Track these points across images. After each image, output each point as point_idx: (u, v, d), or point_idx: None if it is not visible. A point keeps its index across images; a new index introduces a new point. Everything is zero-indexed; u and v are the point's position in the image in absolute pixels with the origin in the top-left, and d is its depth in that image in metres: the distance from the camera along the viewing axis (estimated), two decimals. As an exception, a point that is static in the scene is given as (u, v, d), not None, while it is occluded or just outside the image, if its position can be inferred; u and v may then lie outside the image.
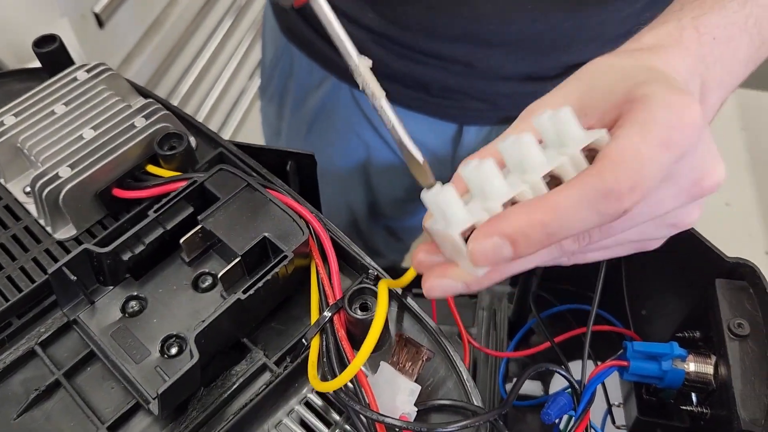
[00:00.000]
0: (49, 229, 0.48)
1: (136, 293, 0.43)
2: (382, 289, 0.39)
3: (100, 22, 1.27)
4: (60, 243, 0.48)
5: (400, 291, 0.43)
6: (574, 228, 0.32)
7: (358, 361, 0.36)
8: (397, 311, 0.44)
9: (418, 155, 0.38)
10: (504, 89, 0.74)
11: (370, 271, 0.44)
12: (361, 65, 0.38)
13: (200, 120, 1.56)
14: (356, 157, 0.87)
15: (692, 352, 0.47)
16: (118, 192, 0.48)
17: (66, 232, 0.48)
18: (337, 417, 0.40)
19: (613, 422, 0.56)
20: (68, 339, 0.43)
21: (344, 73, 0.79)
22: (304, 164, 0.55)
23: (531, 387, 0.59)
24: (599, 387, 0.56)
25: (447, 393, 0.41)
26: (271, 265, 0.40)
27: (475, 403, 0.40)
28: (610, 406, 0.56)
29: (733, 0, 0.42)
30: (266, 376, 0.41)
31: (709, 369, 0.47)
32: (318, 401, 0.41)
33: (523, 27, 0.67)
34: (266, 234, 0.42)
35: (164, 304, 0.43)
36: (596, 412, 0.58)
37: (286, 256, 0.41)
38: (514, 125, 0.39)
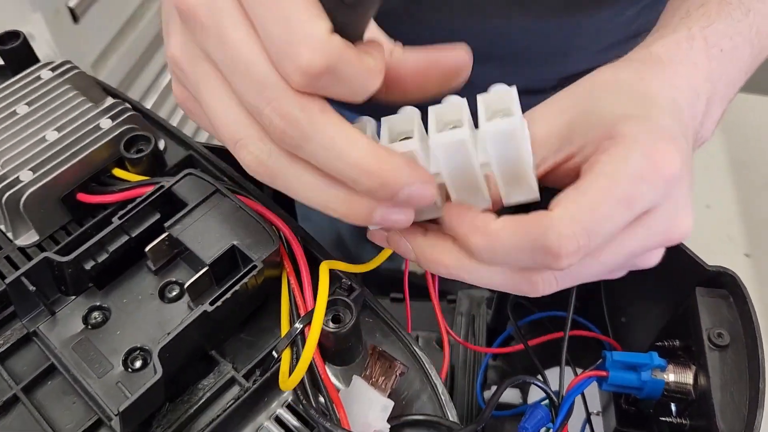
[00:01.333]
0: (9, 235, 0.46)
1: (99, 303, 0.41)
2: (323, 270, 0.39)
3: (75, 17, 1.24)
4: (21, 249, 0.46)
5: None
6: (509, 262, 0.33)
7: (310, 345, 0.35)
8: (371, 321, 0.42)
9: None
10: None
11: (344, 280, 0.42)
12: None
13: (177, 120, 1.53)
14: None
15: (672, 362, 0.46)
16: (82, 197, 0.46)
17: (28, 238, 0.46)
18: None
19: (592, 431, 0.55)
20: (28, 352, 0.41)
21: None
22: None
23: (509, 395, 0.58)
24: (578, 396, 0.55)
25: (421, 407, 0.40)
26: (239, 275, 0.38)
27: (450, 417, 0.38)
28: (588, 415, 0.55)
29: (737, 8, 0.41)
30: (235, 390, 0.39)
31: (689, 379, 0.46)
32: (289, 417, 0.39)
33: (516, 39, 0.65)
34: (235, 242, 0.40)
35: (129, 314, 0.41)
36: (575, 420, 0.57)
37: (255, 266, 0.39)
38: None
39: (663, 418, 0.47)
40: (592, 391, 0.55)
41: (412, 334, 0.62)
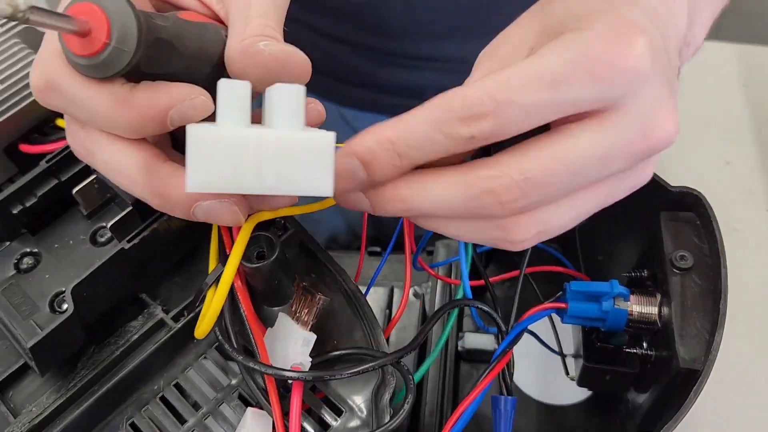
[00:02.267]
0: (-44, 188, 0.46)
1: (30, 249, 0.40)
2: (246, 225, 0.34)
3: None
4: (-33, 202, 0.45)
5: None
6: (424, 149, 0.28)
7: (222, 289, 0.33)
8: (307, 260, 0.41)
9: None
10: None
11: (277, 219, 0.40)
12: None
13: None
14: None
15: (636, 291, 0.43)
16: (24, 147, 0.45)
17: (-26, 191, 0.46)
18: (237, 375, 0.37)
19: (567, 373, 0.52)
20: (-39, 298, 0.41)
21: (330, 93, 0.74)
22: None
23: (483, 341, 0.56)
24: (554, 337, 0.53)
25: (354, 344, 0.38)
26: (160, 212, 0.37)
27: (381, 349, 0.37)
28: (563, 356, 0.52)
29: None
30: (163, 332, 0.38)
31: (653, 308, 0.43)
32: (218, 357, 0.38)
33: (514, 11, 0.61)
34: (158, 180, 0.39)
35: (59, 259, 0.40)
36: (551, 362, 0.54)
37: (176, 203, 0.37)
38: (476, 67, 0.36)
39: (630, 350, 0.45)
40: (567, 333, 0.53)
41: (388, 285, 0.61)
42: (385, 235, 0.96)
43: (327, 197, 0.31)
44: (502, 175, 0.28)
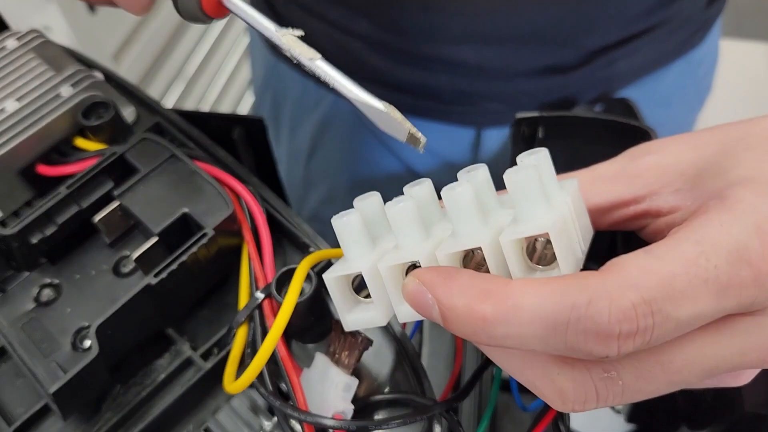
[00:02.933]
0: (-29, 212, 0.44)
1: (50, 280, 0.38)
2: (303, 265, 0.33)
3: (91, 7, 1.22)
4: (-16, 227, 0.43)
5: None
6: (529, 345, 0.23)
7: (264, 352, 0.31)
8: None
9: (382, 105, 0.31)
10: (523, 86, 0.66)
11: (311, 249, 0.38)
12: (284, 36, 0.32)
13: (208, 106, 1.50)
14: (363, 176, 0.80)
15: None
16: (42, 169, 0.43)
17: (-10, 215, 0.43)
18: (270, 417, 0.35)
19: (612, 407, 0.50)
20: (-20, 332, 0.38)
21: None
22: (253, 131, 0.49)
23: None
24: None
25: (396, 385, 0.36)
26: (188, 244, 0.35)
27: (427, 394, 0.34)
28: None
29: None
30: (192, 371, 0.36)
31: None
32: (249, 398, 0.36)
33: (534, 17, 0.59)
34: (187, 210, 0.36)
35: (81, 291, 0.38)
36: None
37: (205, 234, 0.35)
38: (616, 160, 0.31)
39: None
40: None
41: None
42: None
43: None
44: (588, 380, 0.24)
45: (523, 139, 0.52)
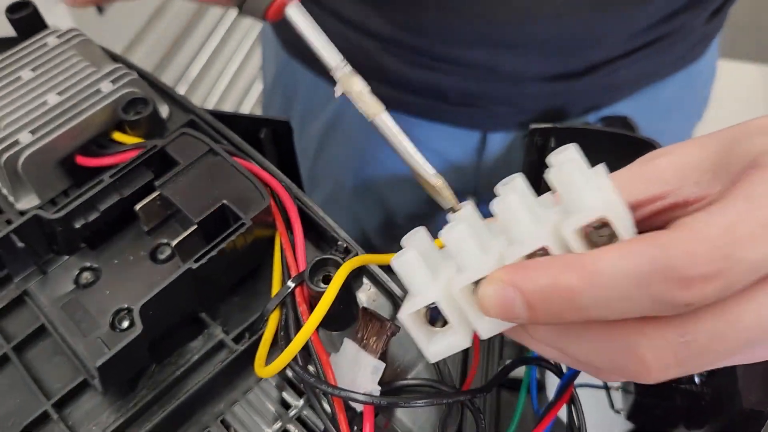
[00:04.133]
0: (11, 198, 0.46)
1: (90, 264, 0.41)
2: (348, 263, 0.36)
3: (100, 8, 1.25)
4: (23, 213, 0.46)
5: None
6: (615, 308, 0.25)
7: (300, 338, 0.34)
8: (365, 284, 0.41)
9: (435, 178, 0.33)
10: (530, 91, 0.69)
11: (339, 243, 0.41)
12: (349, 72, 0.34)
13: (212, 103, 1.53)
14: (369, 176, 0.82)
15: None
16: (81, 160, 0.46)
17: (29, 202, 0.46)
18: (297, 398, 0.38)
19: (612, 406, 0.52)
20: (20, 311, 0.41)
21: None
22: (279, 132, 0.52)
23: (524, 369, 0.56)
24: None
25: (418, 374, 0.38)
26: (227, 233, 0.38)
27: (448, 383, 0.37)
28: (608, 389, 0.52)
29: None
30: (224, 353, 0.39)
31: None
32: (279, 382, 0.38)
33: (548, 27, 0.62)
34: (225, 201, 0.39)
35: (119, 275, 0.40)
36: (596, 395, 0.54)
37: (243, 224, 0.38)
38: (631, 165, 0.33)
39: (683, 386, 0.45)
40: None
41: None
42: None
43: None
44: (667, 345, 0.25)
45: (536, 149, 0.55)
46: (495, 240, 0.30)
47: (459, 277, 0.29)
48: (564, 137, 0.53)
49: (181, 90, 1.46)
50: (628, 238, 0.26)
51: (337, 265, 0.37)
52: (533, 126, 0.52)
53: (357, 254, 0.41)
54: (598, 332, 0.26)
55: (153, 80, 0.52)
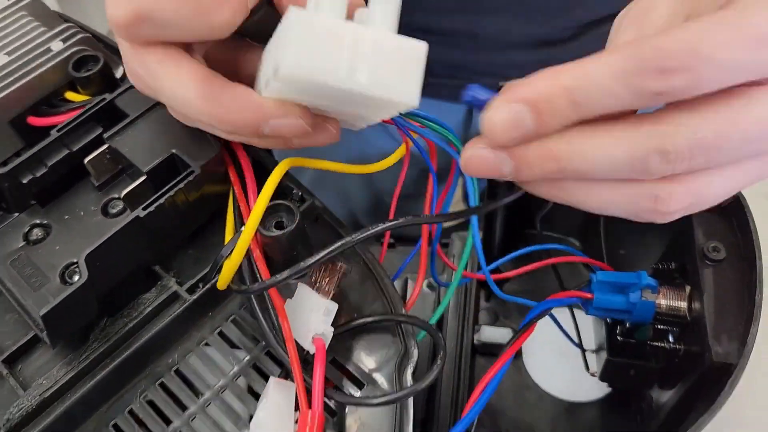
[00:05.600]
0: (-39, 161, 0.46)
1: (40, 221, 0.41)
2: (277, 169, 0.36)
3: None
4: (-27, 175, 0.46)
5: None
6: (603, 101, 0.27)
7: (244, 239, 0.35)
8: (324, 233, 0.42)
9: None
10: (515, 58, 0.69)
11: (295, 191, 0.41)
12: None
13: None
14: (356, 156, 0.83)
15: (665, 284, 0.44)
16: (32, 120, 0.46)
17: (-21, 164, 0.46)
18: (253, 346, 0.38)
19: (587, 368, 0.53)
20: (-31, 270, 0.41)
21: None
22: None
23: (500, 334, 0.56)
24: (573, 332, 0.53)
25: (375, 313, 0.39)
26: (175, 181, 0.38)
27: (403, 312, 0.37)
28: (584, 351, 0.53)
29: None
30: (177, 305, 0.39)
31: (683, 301, 0.43)
32: (234, 330, 0.39)
33: None
34: (174, 151, 0.39)
35: (70, 230, 0.40)
36: (571, 360, 0.55)
37: (192, 171, 0.38)
38: (623, 30, 0.33)
39: (656, 344, 0.45)
40: (588, 327, 0.54)
41: (403, 277, 0.61)
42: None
43: (411, 106, 0.31)
44: (676, 133, 0.27)
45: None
46: None
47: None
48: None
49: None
50: None
51: (289, 210, 0.37)
52: (503, 83, 0.53)
53: (312, 202, 0.41)
54: (614, 129, 0.28)
55: (107, 41, 0.52)
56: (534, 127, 0.28)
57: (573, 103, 0.27)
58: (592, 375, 0.52)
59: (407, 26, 0.67)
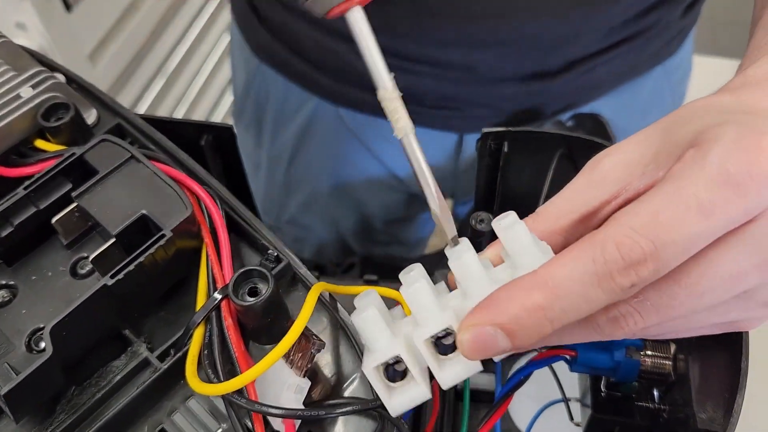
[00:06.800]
0: (-73, 213, 0.45)
1: (5, 281, 0.40)
2: (312, 292, 0.36)
3: (68, 5, 1.23)
4: (-60, 229, 0.45)
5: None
6: (582, 309, 0.29)
7: (259, 368, 0.33)
8: (302, 295, 0.40)
9: (439, 209, 0.36)
10: (506, 91, 0.69)
11: (270, 251, 0.40)
12: (395, 97, 0.37)
13: (183, 114, 1.51)
14: (345, 181, 0.83)
15: (650, 341, 0.43)
16: (1, 170, 0.44)
17: (-53, 216, 0.45)
18: (225, 418, 0.37)
19: (571, 418, 0.52)
20: (-67, 334, 0.40)
21: (327, 92, 0.74)
22: (222, 139, 0.51)
23: (484, 381, 0.56)
24: (554, 381, 0.53)
25: (354, 390, 0.37)
26: (146, 245, 0.37)
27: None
28: (566, 400, 0.52)
29: None
30: (148, 372, 0.38)
31: (668, 359, 0.43)
32: (207, 399, 0.37)
33: (523, 24, 0.62)
34: (145, 211, 0.38)
35: (37, 293, 0.39)
36: (556, 407, 0.54)
37: (164, 235, 0.37)
38: (580, 174, 0.36)
39: (640, 403, 0.44)
40: (572, 376, 0.53)
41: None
42: (377, 256, 0.96)
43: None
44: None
45: (490, 153, 0.54)
46: (447, 295, 0.34)
47: (420, 330, 0.32)
48: (518, 141, 0.52)
49: (154, 90, 1.44)
50: None
51: (263, 276, 0.36)
52: (486, 130, 0.52)
53: (288, 263, 0.40)
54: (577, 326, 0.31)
55: (82, 83, 0.51)
56: (510, 347, 0.29)
57: (549, 320, 0.29)
58: (577, 425, 0.52)
59: (402, 57, 0.67)
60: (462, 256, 0.32)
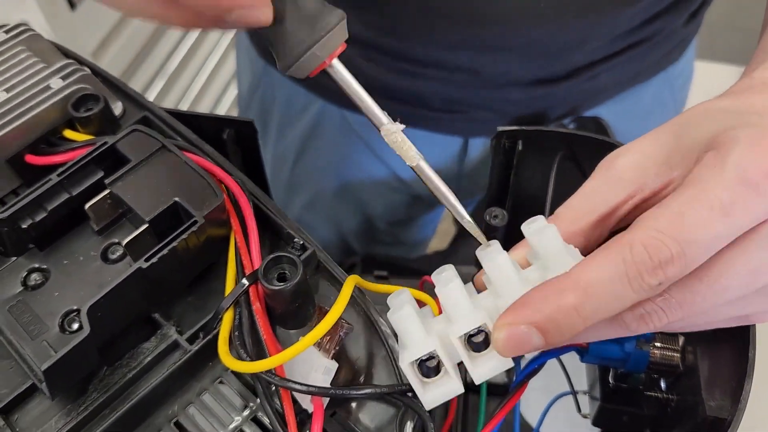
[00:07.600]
0: (-42, 198, 0.46)
1: (38, 265, 0.41)
2: (348, 283, 0.38)
3: (72, 4, 1.24)
4: (-31, 214, 0.46)
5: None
6: (612, 307, 0.31)
7: (295, 349, 0.34)
8: (326, 283, 0.42)
9: (465, 219, 0.38)
10: (512, 95, 0.71)
11: (296, 240, 0.41)
12: (395, 130, 0.37)
13: (187, 105, 1.50)
14: (349, 182, 0.84)
15: (659, 333, 0.45)
16: (30, 158, 0.45)
17: (-25, 202, 0.46)
18: (254, 398, 0.38)
19: (579, 410, 0.53)
20: (-34, 315, 0.41)
21: (332, 94, 0.75)
22: (243, 133, 0.52)
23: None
24: (562, 373, 0.54)
25: (377, 374, 0.39)
26: (179, 231, 0.38)
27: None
28: (575, 392, 0.53)
29: None
30: (177, 354, 0.39)
31: (676, 351, 0.44)
32: (235, 381, 0.39)
33: (531, 30, 0.64)
34: (177, 199, 0.39)
35: (69, 276, 0.40)
36: (564, 399, 0.55)
37: (196, 221, 0.38)
38: (595, 175, 0.37)
39: (649, 393, 0.46)
40: (579, 369, 0.54)
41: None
42: (378, 257, 0.97)
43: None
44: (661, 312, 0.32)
45: (504, 152, 0.56)
46: (479, 296, 0.36)
47: (456, 327, 0.33)
48: (532, 140, 0.54)
49: (157, 87, 1.45)
50: None
51: (292, 262, 0.37)
52: (500, 129, 0.54)
53: (314, 251, 0.41)
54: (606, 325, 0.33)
55: (107, 76, 0.52)
56: (543, 345, 0.31)
57: (582, 318, 0.30)
58: (585, 417, 0.53)
59: (408, 60, 0.68)
60: (496, 258, 0.34)
